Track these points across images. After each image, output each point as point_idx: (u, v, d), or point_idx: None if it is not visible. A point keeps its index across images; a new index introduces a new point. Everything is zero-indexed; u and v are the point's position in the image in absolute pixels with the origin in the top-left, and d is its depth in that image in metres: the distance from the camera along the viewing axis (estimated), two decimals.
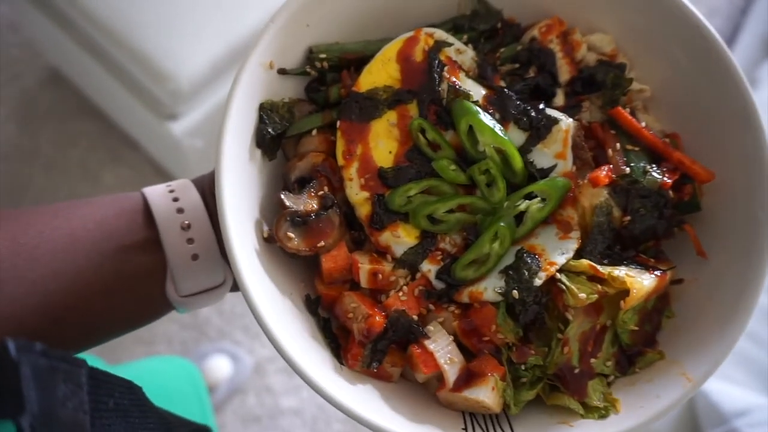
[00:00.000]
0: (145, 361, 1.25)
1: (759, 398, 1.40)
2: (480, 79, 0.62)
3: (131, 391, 0.52)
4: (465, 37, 0.65)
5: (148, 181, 2.14)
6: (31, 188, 2.17)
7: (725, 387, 1.42)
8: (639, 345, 0.57)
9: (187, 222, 0.58)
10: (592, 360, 0.56)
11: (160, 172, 2.17)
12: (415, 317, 0.56)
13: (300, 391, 1.99)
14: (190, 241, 0.57)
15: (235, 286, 0.62)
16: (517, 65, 0.65)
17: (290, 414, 1.98)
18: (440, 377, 0.56)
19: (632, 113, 0.62)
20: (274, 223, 0.57)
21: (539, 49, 0.64)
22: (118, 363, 1.22)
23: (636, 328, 0.57)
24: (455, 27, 0.65)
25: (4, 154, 2.19)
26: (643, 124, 0.60)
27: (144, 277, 0.57)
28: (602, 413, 0.54)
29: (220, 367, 1.90)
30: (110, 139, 2.21)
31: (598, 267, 0.54)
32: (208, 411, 1.12)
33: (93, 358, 1.07)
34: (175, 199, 0.59)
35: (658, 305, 0.58)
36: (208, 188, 0.61)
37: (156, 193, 0.60)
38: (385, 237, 0.58)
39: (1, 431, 0.36)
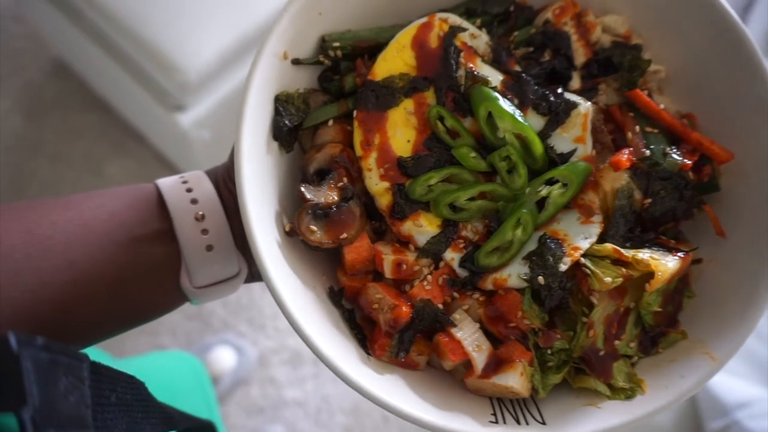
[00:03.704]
0: (149, 356, 1.25)
1: (760, 390, 1.42)
2: (495, 64, 0.62)
3: (134, 385, 0.52)
4: (478, 21, 0.64)
5: (154, 172, 2.13)
6: (35, 180, 2.14)
7: (726, 379, 1.44)
8: (662, 326, 0.58)
9: (201, 213, 0.57)
10: (616, 342, 0.56)
11: (165, 163, 2.15)
12: (441, 306, 0.57)
13: (304, 382, 2.00)
14: (204, 232, 0.57)
15: (250, 277, 0.62)
16: (531, 49, 0.64)
17: (294, 405, 1.98)
18: (467, 364, 0.56)
19: (649, 95, 0.61)
20: (295, 216, 0.57)
21: (553, 32, 0.63)
22: (122, 354, 1.22)
23: (659, 310, 0.57)
24: (468, 11, 0.65)
25: (8, 146, 2.17)
26: (662, 105, 0.60)
27: (158, 268, 0.57)
28: (629, 394, 0.55)
29: (224, 358, 1.90)
30: (115, 131, 2.19)
31: (622, 251, 0.54)
32: (213, 406, 1.12)
33: (99, 352, 1.07)
34: (189, 190, 0.59)
35: (680, 286, 0.59)
36: (221, 179, 0.61)
37: (169, 184, 0.59)
38: (407, 227, 0.58)
39: (2, 424, 0.36)
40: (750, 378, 1.48)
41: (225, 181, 0.60)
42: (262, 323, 2.05)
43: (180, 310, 0.63)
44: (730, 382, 1.44)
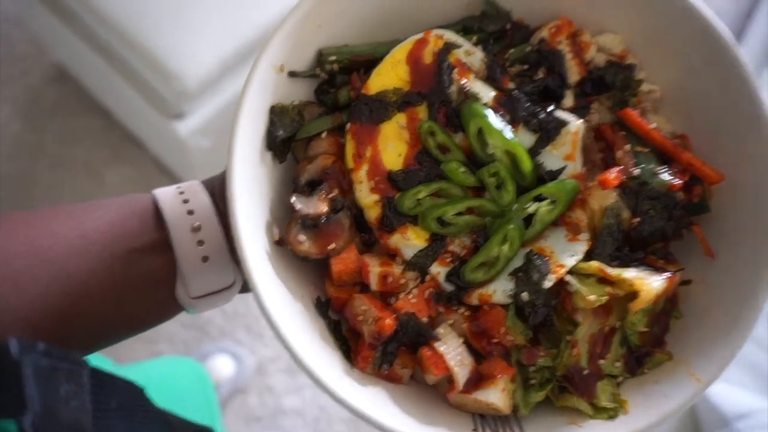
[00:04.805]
0: (154, 361, 1.26)
1: (760, 401, 1.40)
2: (489, 80, 0.62)
3: (134, 391, 0.53)
4: (474, 38, 0.65)
5: (153, 179, 2.15)
6: (35, 186, 2.17)
7: (726, 389, 1.42)
8: (648, 346, 0.58)
9: (197, 224, 0.58)
10: (601, 361, 0.56)
11: (164, 170, 2.17)
12: (425, 319, 0.57)
13: (302, 391, 1.99)
14: (200, 242, 0.58)
15: (245, 288, 0.63)
16: (526, 66, 0.65)
17: (292, 414, 1.97)
18: (450, 379, 0.56)
19: (642, 114, 0.62)
20: (284, 226, 0.58)
21: (548, 50, 0.64)
22: (123, 362, 1.23)
23: (645, 330, 0.57)
24: (464, 28, 0.65)
25: (9, 152, 2.19)
26: (654, 125, 0.60)
27: (155, 278, 0.58)
28: (611, 414, 0.54)
29: (222, 366, 1.90)
30: (115, 137, 2.21)
31: (608, 269, 0.54)
32: (216, 412, 1.13)
33: (101, 358, 1.08)
34: (185, 201, 0.60)
35: (667, 306, 0.59)
36: (217, 190, 0.62)
37: (166, 195, 0.60)
38: (395, 239, 0.59)
39: (3, 430, 0.37)
40: (751, 388, 1.46)
41: (221, 191, 0.61)
42: (259, 331, 2.05)
43: (177, 318, 0.63)
44: (730, 393, 1.43)
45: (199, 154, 1.77)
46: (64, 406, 0.40)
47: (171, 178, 2.15)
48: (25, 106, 2.25)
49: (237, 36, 1.62)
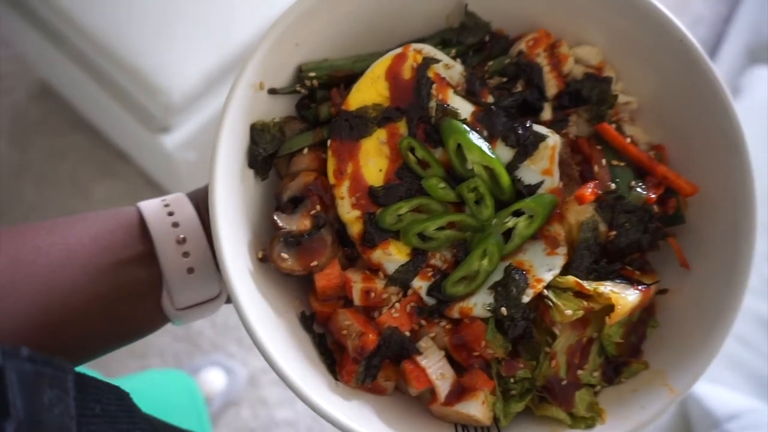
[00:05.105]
0: (143, 374, 1.26)
1: (751, 402, 1.42)
2: (468, 94, 0.63)
3: (119, 396, 0.53)
4: (453, 51, 0.65)
5: (140, 193, 2.14)
6: (21, 203, 2.15)
7: (718, 391, 1.44)
8: (625, 355, 0.59)
9: (182, 236, 0.59)
10: (579, 371, 0.58)
11: (152, 184, 2.17)
12: (408, 333, 0.58)
13: (294, 402, 2.00)
14: (185, 254, 0.58)
15: (230, 299, 0.64)
16: (504, 79, 0.65)
17: (285, 426, 1.98)
18: (432, 391, 0.57)
19: (618, 127, 0.63)
20: (268, 243, 0.58)
21: (526, 63, 0.64)
22: (113, 376, 1.23)
23: (621, 341, 0.58)
24: (443, 41, 0.66)
25: None
26: (628, 139, 0.61)
27: (140, 290, 0.58)
28: (589, 423, 0.56)
29: (214, 379, 1.91)
30: (101, 153, 2.20)
31: (584, 284, 0.55)
32: (206, 424, 1.14)
33: (90, 372, 1.09)
34: (170, 213, 0.60)
35: (644, 316, 0.60)
36: (202, 202, 0.62)
37: (151, 208, 0.61)
38: (377, 255, 0.59)
39: None
40: (741, 389, 1.49)
41: (206, 204, 0.62)
42: (251, 343, 2.03)
43: (168, 331, 0.64)
44: (721, 394, 1.45)
45: (185, 167, 1.78)
46: (48, 413, 0.40)
47: (159, 192, 2.14)
48: (9, 123, 2.23)
49: (221, 50, 1.62)
